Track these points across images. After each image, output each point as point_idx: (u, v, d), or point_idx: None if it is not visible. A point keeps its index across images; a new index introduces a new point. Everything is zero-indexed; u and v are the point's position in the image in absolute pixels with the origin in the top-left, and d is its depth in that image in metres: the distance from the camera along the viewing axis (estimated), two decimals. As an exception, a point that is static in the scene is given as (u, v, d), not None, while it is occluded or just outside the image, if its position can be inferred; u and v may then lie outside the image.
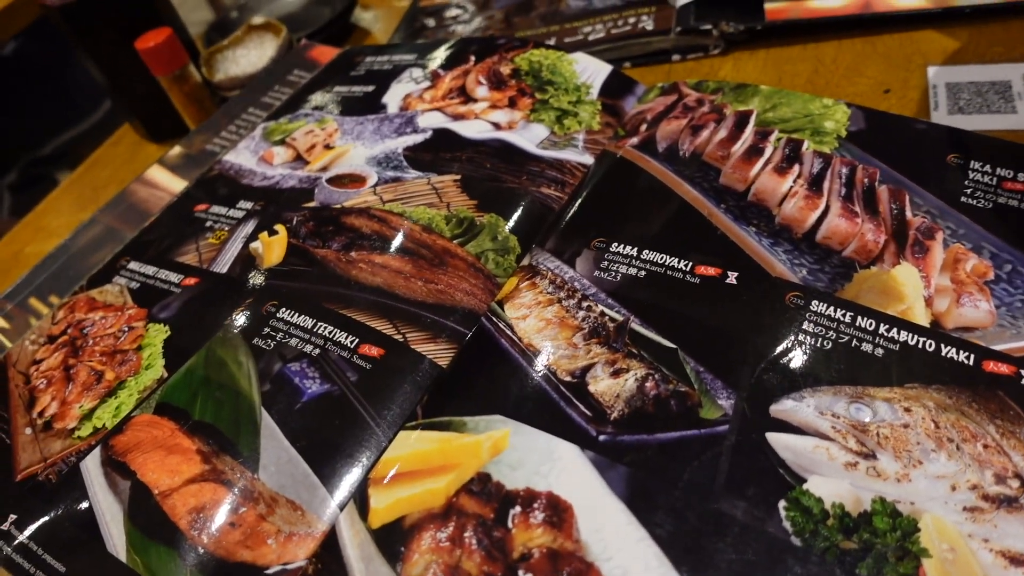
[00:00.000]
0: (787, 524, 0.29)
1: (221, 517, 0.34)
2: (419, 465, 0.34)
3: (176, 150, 0.63)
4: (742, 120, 0.47)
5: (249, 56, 0.72)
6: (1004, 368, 0.32)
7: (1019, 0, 0.51)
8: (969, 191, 0.40)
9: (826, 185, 0.42)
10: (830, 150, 0.44)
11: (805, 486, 0.30)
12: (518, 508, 0.32)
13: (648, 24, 0.61)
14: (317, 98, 0.63)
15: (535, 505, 0.32)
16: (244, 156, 0.59)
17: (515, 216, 0.45)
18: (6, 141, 1.10)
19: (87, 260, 0.55)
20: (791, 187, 0.42)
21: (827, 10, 0.56)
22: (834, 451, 0.31)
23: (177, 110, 0.69)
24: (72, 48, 0.70)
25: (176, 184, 0.60)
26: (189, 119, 0.69)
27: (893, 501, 0.29)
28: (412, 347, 0.39)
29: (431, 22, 0.76)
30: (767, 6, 0.58)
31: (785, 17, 0.56)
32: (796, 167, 0.43)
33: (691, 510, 0.30)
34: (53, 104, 1.13)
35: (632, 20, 0.63)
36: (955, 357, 0.33)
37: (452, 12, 0.76)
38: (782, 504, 0.29)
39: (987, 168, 0.40)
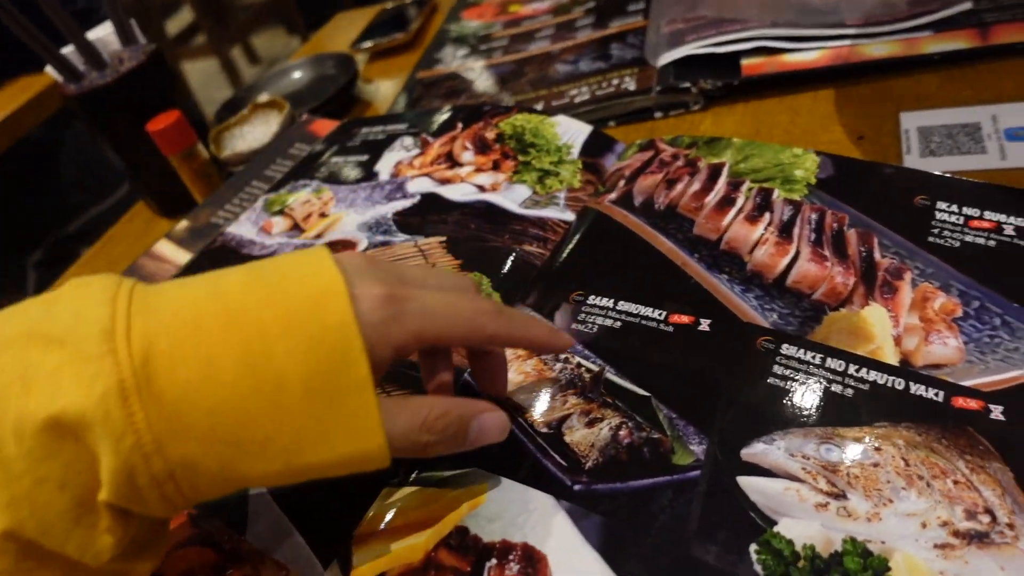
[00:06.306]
0: (758, 568, 0.29)
1: (210, 580, 0.35)
2: (401, 521, 0.35)
3: (183, 224, 0.66)
4: (715, 172, 0.48)
5: (255, 132, 0.76)
6: (973, 403, 0.32)
7: (986, 45, 0.53)
8: (936, 231, 0.40)
9: (796, 231, 0.42)
10: (800, 197, 0.45)
11: (776, 528, 0.30)
12: (494, 560, 0.32)
13: (631, 85, 0.63)
14: (315, 169, 0.66)
15: (510, 557, 0.32)
16: (245, 227, 0.61)
17: (498, 274, 0.46)
18: (33, 221, 1.15)
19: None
20: (762, 235, 0.43)
21: (801, 63, 0.58)
22: (804, 492, 0.31)
23: (187, 186, 0.72)
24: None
25: (182, 256, 0.62)
26: (197, 194, 0.72)
27: (864, 540, 0.29)
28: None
29: (428, 92, 0.79)
30: (743, 62, 0.59)
31: (761, 72, 0.58)
32: (767, 215, 0.44)
33: (663, 556, 0.30)
34: (79, 183, 1.18)
35: (615, 81, 0.65)
36: (924, 394, 0.33)
37: (449, 82, 0.80)
38: (753, 547, 0.29)
39: (954, 208, 0.41)
